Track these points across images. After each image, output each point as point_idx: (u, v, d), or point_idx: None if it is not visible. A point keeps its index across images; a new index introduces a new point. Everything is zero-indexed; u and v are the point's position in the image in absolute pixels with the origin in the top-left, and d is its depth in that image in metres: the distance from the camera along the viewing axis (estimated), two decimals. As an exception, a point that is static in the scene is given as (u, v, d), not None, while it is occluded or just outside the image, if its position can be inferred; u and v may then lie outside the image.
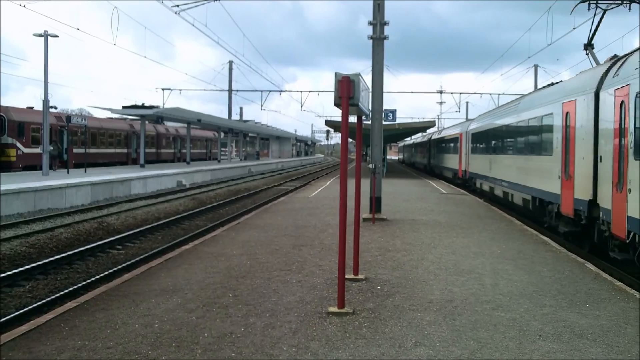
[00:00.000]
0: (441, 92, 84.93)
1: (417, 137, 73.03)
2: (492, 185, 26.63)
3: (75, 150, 43.23)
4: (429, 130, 59.89)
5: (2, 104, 38.42)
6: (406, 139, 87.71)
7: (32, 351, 6.72)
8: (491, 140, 27.40)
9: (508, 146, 23.61)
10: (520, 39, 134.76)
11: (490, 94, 63.69)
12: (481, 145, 30.28)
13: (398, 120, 40.38)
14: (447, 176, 42.99)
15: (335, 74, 7.98)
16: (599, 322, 7.85)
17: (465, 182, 35.22)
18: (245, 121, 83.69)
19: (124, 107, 47.62)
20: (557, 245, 14.24)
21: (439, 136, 50.62)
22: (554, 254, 12.97)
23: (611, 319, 8.00)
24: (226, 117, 69.91)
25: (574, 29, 29.02)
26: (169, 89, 63.20)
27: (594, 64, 16.68)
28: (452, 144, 41.49)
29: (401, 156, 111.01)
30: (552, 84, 19.48)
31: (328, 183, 37.70)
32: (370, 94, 17.35)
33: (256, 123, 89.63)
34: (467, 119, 61.20)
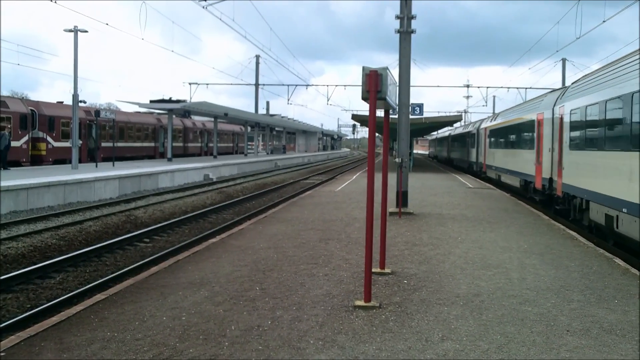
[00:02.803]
0: (468, 86, 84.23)
1: (456, 127, 61.62)
2: None
3: (103, 144, 43.70)
4: (469, 119, 55.86)
5: (33, 99, 38.98)
6: (439, 131, 76.86)
7: (63, 342, 6.83)
8: None
9: None
10: (548, 32, 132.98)
11: (518, 88, 62.98)
12: (609, 133, 14.48)
13: (425, 114, 40.01)
14: (511, 184, 29.30)
15: (363, 67, 7.98)
16: (628, 318, 7.76)
17: (551, 199, 21.23)
18: (272, 115, 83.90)
19: (151, 102, 47.96)
20: (585, 240, 14.10)
21: (494, 123, 36.27)
22: (582, 249, 12.84)
23: (641, 315, 7.90)
24: (253, 111, 70.15)
25: (604, 21, 28.62)
26: (196, 83, 63.82)
27: None
28: (521, 135, 27.29)
29: (432, 150, 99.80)
30: None
31: (354, 177, 37.68)
32: (398, 87, 17.32)
33: (282, 117, 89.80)
34: (492, 111, 59.63)
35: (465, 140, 49.51)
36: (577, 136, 17.39)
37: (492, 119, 38.72)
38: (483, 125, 40.32)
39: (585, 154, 16.54)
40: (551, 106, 21.46)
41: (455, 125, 59.18)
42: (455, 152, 58.14)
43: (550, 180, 20.87)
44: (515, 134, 28.68)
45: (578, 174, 17.21)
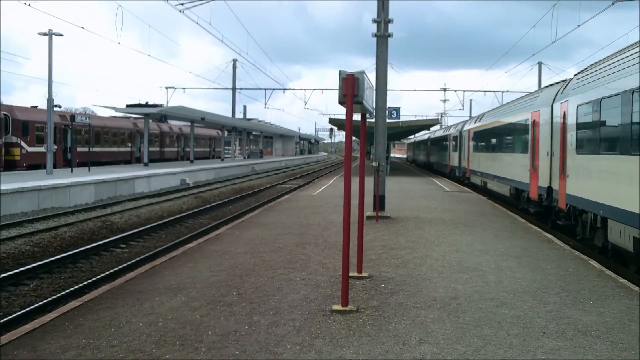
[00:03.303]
0: (445, 89, 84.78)
1: (436, 130, 59.02)
2: None
3: (79, 149, 43.28)
4: (446, 122, 55.13)
5: (6, 103, 38.55)
6: (417, 134, 74.09)
7: (37, 350, 6.73)
8: None
9: None
10: (525, 36, 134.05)
11: (494, 91, 63.58)
12: None
13: (402, 118, 40.06)
14: (499, 192, 26.09)
15: (340, 71, 7.96)
16: (603, 319, 7.83)
17: (550, 211, 18.28)
18: (249, 119, 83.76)
19: (128, 106, 47.65)
20: (561, 243, 14.22)
21: (479, 124, 32.60)
22: (558, 252, 12.95)
23: (615, 316, 7.98)
24: (230, 115, 69.92)
25: (579, 26, 28.99)
26: (173, 88, 63.25)
27: None
28: (511, 137, 24.09)
29: (410, 154, 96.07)
30: None
31: (332, 181, 37.68)
32: (374, 91, 17.34)
33: (260, 121, 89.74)
34: (469, 115, 59.07)
35: (447, 143, 45.85)
36: (588, 137, 14.25)
37: (476, 120, 34.99)
38: (467, 127, 37.19)
39: (600, 158, 13.31)
40: (549, 103, 18.27)
41: (434, 128, 57.73)
42: (435, 155, 54.74)
43: (549, 189, 17.71)
44: (504, 136, 25.51)
45: (589, 184, 14.00)
